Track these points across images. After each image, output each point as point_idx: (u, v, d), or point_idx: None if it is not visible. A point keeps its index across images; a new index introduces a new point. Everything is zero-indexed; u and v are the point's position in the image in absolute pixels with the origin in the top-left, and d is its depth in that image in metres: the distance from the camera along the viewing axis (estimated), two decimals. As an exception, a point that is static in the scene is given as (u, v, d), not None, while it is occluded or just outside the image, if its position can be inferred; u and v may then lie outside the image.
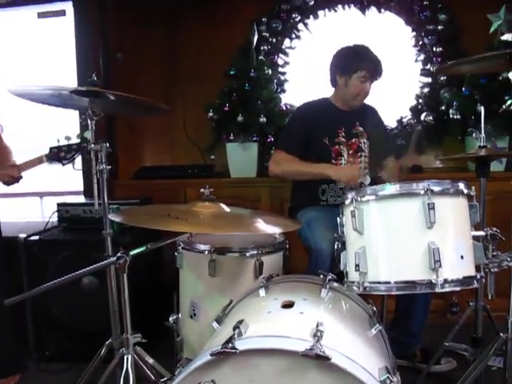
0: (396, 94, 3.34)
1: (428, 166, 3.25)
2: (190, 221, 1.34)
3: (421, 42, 3.34)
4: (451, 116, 2.99)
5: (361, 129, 2.41)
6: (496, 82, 2.88)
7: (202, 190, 1.55)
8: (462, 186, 1.34)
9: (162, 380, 1.35)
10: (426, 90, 3.28)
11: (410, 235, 1.27)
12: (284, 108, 3.19)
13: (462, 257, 1.27)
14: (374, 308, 1.56)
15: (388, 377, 1.15)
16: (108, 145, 1.72)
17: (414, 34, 3.36)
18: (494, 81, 2.88)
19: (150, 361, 1.62)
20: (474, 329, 2.08)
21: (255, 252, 1.81)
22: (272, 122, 2.94)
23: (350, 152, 2.36)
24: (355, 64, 2.28)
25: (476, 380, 1.98)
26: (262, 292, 1.52)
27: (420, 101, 3.26)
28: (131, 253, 1.49)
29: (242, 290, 1.68)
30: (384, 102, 3.15)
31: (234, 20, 3.33)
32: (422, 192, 1.24)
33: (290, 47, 3.42)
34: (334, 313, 1.39)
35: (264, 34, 3.28)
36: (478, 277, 1.34)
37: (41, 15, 3.48)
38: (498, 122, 2.85)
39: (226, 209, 1.53)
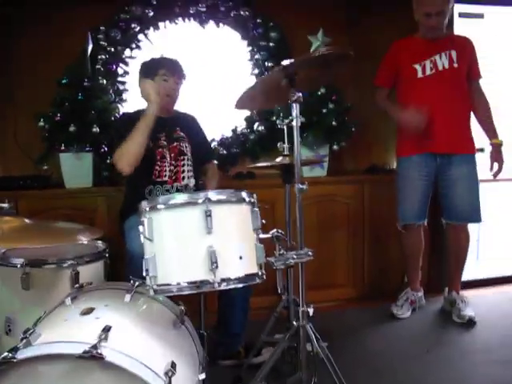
0: (233, 105, 3.53)
1: (261, 173, 3.48)
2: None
3: (255, 57, 3.58)
4: (279, 126, 3.25)
5: (182, 134, 2.53)
6: (316, 96, 3.20)
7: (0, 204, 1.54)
8: (243, 194, 1.50)
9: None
10: (261, 101, 3.51)
11: (193, 240, 1.40)
12: (120, 118, 3.22)
13: (240, 257, 1.43)
14: (182, 307, 1.68)
15: (170, 370, 1.26)
16: None
17: (250, 48, 3.60)
18: (313, 95, 3.20)
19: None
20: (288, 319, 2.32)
21: (70, 263, 1.85)
22: (106, 131, 2.94)
23: (173, 155, 2.46)
24: (154, 67, 2.48)
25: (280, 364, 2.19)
26: (67, 301, 1.56)
27: (254, 111, 3.49)
28: None
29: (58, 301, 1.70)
30: (221, 112, 3.34)
31: (70, 27, 3.26)
32: (201, 201, 1.39)
33: (131, 57, 3.45)
34: (132, 316, 1.47)
35: (102, 42, 3.28)
36: (260, 274, 1.51)
37: None
38: (318, 132, 3.17)
39: (28, 221, 1.54)
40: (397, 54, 2.98)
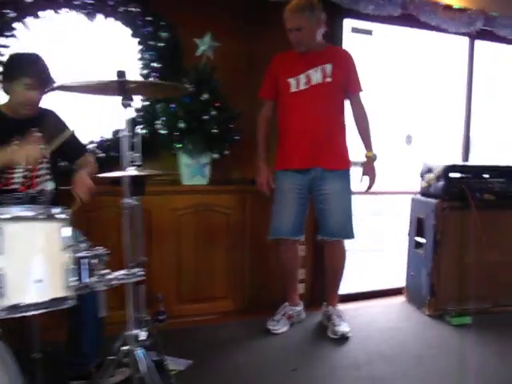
0: (119, 106, 3.34)
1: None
2: None
3: (145, 56, 3.41)
4: (159, 130, 3.12)
5: (39, 134, 2.31)
6: (198, 101, 3.08)
7: None
8: (53, 211, 1.36)
9: None
10: (146, 103, 3.35)
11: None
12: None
13: (40, 280, 1.28)
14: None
15: None
16: None
17: (140, 47, 3.42)
18: (196, 100, 3.08)
19: None
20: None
21: None
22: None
23: None
24: (18, 71, 2.19)
25: None
26: None
27: (140, 113, 3.33)
28: None
29: None
30: (105, 113, 3.14)
31: None
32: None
33: (4, 46, 3.16)
34: None
35: (-32, 27, 2.98)
36: (70, 297, 1.37)
37: None
38: (198, 139, 3.06)
39: None
40: (276, 66, 2.98)
